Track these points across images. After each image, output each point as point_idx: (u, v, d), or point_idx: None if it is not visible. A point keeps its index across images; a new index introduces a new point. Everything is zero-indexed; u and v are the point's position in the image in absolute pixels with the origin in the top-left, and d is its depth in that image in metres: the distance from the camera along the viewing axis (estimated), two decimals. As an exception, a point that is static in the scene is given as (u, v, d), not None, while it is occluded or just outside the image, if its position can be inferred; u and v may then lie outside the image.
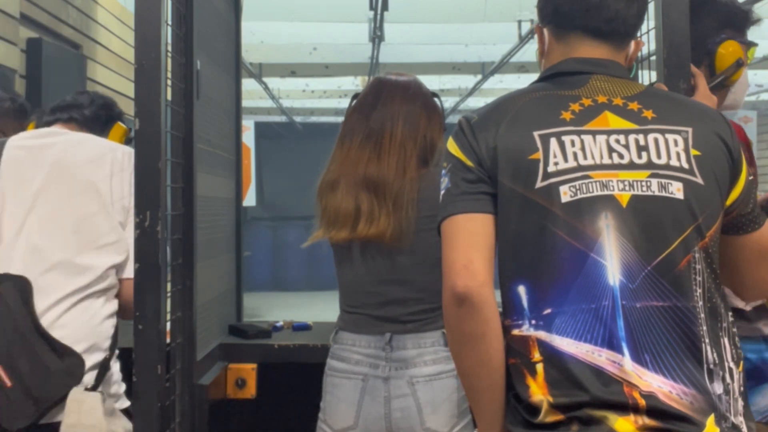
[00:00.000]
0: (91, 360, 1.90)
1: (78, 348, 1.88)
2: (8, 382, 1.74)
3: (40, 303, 1.87)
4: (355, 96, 2.15)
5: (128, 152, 2.11)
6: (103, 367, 1.91)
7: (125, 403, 2.03)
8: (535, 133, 1.39)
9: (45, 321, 1.86)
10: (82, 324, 1.91)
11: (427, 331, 1.99)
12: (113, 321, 1.99)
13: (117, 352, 2.03)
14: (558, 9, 1.50)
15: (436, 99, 2.13)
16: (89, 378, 1.88)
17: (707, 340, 1.33)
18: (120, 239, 2.02)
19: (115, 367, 2.02)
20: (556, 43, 1.53)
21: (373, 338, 2.00)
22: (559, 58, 1.51)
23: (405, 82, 2.11)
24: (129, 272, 2.03)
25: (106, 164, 2.07)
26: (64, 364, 1.80)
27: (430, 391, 1.96)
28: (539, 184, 1.36)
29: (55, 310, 1.89)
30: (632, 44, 1.53)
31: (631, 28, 1.50)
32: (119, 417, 1.92)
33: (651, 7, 1.83)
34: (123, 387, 2.06)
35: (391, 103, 2.05)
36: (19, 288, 1.84)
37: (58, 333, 1.86)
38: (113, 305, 2.01)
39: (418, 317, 2.00)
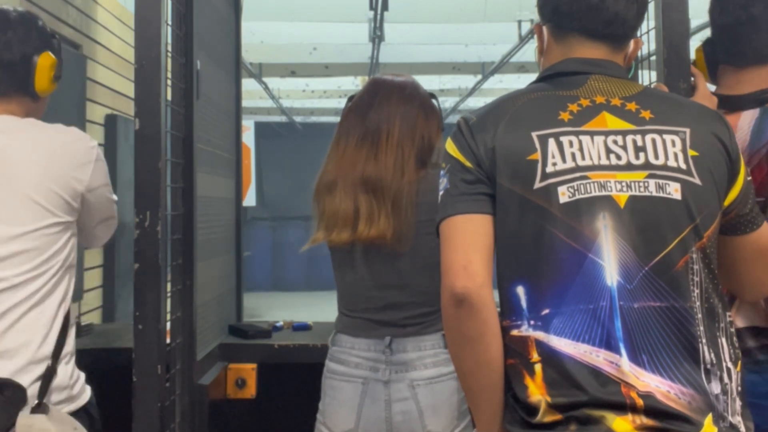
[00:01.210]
0: (35, 372, 1.77)
1: (18, 363, 1.76)
2: None
3: None
4: (351, 97, 2.14)
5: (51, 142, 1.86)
6: (47, 377, 1.78)
7: (81, 401, 1.88)
8: (534, 134, 1.39)
9: None
10: (19, 340, 1.77)
11: (426, 333, 1.99)
12: (57, 323, 1.83)
13: (69, 350, 1.86)
14: (557, 9, 1.50)
15: (433, 100, 2.12)
16: (32, 391, 1.76)
17: (704, 341, 1.34)
18: (40, 236, 1.80)
19: (65, 369, 1.83)
20: (554, 42, 1.53)
21: (372, 341, 1.99)
22: (558, 58, 1.51)
23: (402, 82, 2.09)
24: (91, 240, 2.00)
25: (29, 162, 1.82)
26: (5, 397, 1.71)
27: (430, 394, 1.96)
28: (537, 184, 1.36)
29: None
30: (631, 43, 1.53)
31: (630, 29, 1.50)
32: (67, 424, 1.79)
33: (651, 7, 1.83)
34: (76, 388, 1.88)
35: (388, 104, 2.03)
36: None
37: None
38: (55, 309, 1.83)
39: (417, 320, 1.99)
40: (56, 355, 1.81)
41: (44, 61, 1.90)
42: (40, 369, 1.78)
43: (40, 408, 1.75)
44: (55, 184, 1.81)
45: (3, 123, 1.87)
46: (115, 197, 2.03)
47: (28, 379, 1.75)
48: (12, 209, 1.78)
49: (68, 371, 1.84)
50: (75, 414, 1.82)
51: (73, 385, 1.86)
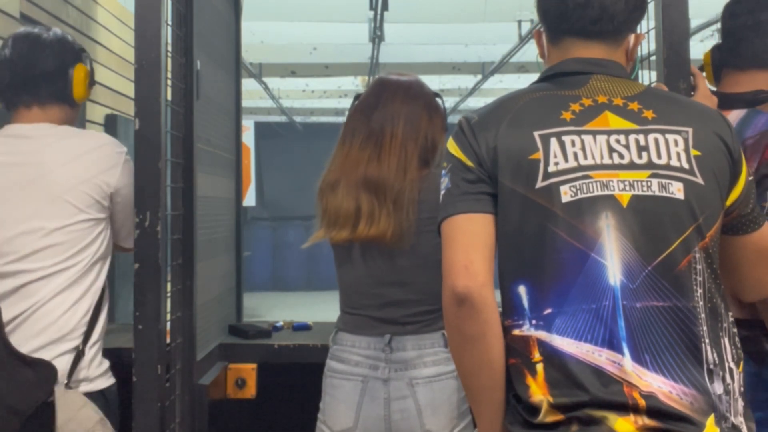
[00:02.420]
0: (56, 350, 1.94)
1: (41, 341, 1.93)
2: None
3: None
4: (358, 96, 2.15)
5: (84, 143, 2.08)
6: (76, 357, 1.96)
7: (98, 385, 2.01)
8: (536, 133, 1.39)
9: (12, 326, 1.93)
10: (44, 322, 1.96)
11: (427, 332, 1.99)
12: (83, 308, 2.00)
13: (97, 336, 2.02)
14: (546, 13, 1.50)
15: (438, 99, 2.12)
16: (62, 367, 1.92)
17: (707, 341, 1.33)
18: (71, 230, 2.00)
19: (89, 352, 2.00)
20: (551, 47, 1.53)
21: (372, 339, 1.99)
22: (556, 61, 1.51)
23: (407, 82, 2.10)
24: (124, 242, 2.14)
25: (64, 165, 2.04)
26: (37, 375, 1.87)
27: (429, 392, 1.95)
28: (540, 184, 1.36)
29: (24, 314, 1.95)
30: (632, 38, 1.52)
31: (621, 24, 1.47)
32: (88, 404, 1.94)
33: (651, 7, 1.82)
34: (93, 371, 2.01)
35: (392, 104, 2.04)
36: None
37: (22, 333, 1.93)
38: (86, 298, 2.01)
39: (418, 319, 1.99)
40: (86, 338, 1.99)
41: (79, 72, 2.12)
42: (63, 348, 1.95)
43: (68, 386, 1.94)
44: (84, 185, 2.01)
45: (43, 130, 2.07)
46: None
47: (50, 356, 1.92)
48: (46, 208, 2.00)
49: (92, 354, 2.00)
50: (90, 395, 1.95)
51: (90, 367, 2.01)
